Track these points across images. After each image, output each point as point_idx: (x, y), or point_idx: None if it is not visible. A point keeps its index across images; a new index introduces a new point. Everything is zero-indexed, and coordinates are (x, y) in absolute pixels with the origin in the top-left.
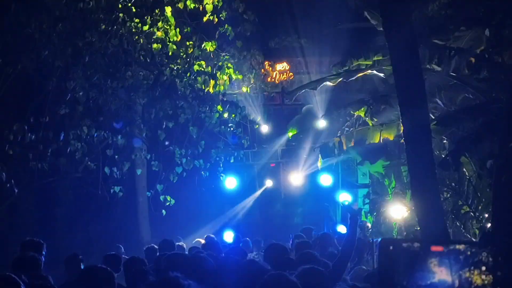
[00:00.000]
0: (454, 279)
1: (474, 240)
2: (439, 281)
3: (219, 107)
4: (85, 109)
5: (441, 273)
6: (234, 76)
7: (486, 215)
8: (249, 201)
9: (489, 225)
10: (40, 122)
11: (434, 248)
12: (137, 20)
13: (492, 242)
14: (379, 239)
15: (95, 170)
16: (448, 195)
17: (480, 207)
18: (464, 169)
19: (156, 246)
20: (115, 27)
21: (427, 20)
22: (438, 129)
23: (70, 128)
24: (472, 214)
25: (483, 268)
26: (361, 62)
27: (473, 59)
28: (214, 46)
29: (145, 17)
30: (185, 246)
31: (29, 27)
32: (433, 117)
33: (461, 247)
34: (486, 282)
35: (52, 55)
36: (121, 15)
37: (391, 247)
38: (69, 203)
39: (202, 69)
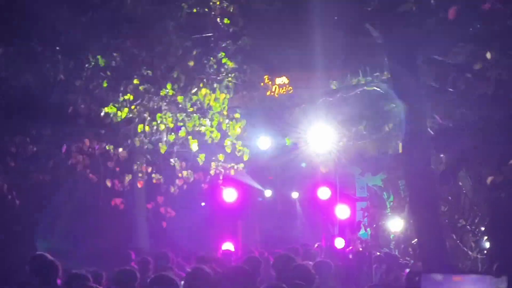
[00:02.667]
0: None
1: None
2: None
3: (219, 119)
4: (86, 122)
5: None
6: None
7: (483, 229)
8: (247, 213)
9: (485, 238)
10: (42, 134)
11: (455, 278)
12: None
13: (507, 270)
14: (408, 271)
15: (96, 182)
16: (445, 209)
17: (476, 221)
18: (461, 183)
19: (150, 259)
20: (116, 40)
21: (425, 35)
22: (436, 145)
23: (71, 141)
24: (468, 227)
25: (498, 285)
26: (361, 79)
27: (470, 75)
28: (214, 60)
29: (146, 30)
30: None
31: (31, 40)
32: (431, 133)
33: (479, 276)
34: None
35: (54, 68)
36: (123, 28)
37: (416, 278)
38: (68, 214)
39: (203, 82)
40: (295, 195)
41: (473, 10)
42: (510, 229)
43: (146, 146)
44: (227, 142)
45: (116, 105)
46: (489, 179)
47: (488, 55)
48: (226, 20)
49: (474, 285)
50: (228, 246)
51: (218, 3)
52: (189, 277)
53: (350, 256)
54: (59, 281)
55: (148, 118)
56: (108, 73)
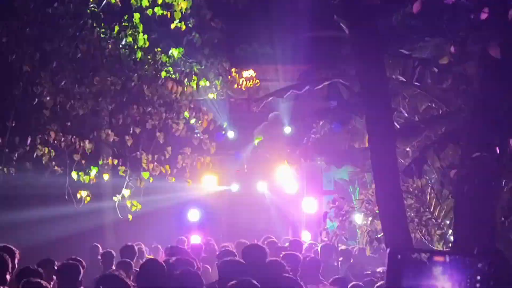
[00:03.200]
0: (455, 286)
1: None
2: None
3: (186, 113)
4: (52, 114)
5: (443, 281)
6: (201, 83)
7: (448, 222)
8: (214, 206)
9: (450, 231)
10: (7, 126)
11: (437, 258)
12: (105, 26)
13: (488, 255)
14: (388, 250)
15: (62, 175)
16: (412, 202)
17: (442, 214)
18: (427, 177)
19: (113, 252)
20: (83, 32)
21: (391, 29)
22: (402, 138)
23: (37, 133)
24: (434, 220)
25: (478, 277)
26: (327, 72)
27: (436, 69)
28: (182, 53)
29: (114, 23)
30: (144, 249)
31: None
32: (397, 126)
33: (460, 258)
34: None
35: (19, 60)
36: (89, 20)
37: (399, 256)
38: (34, 207)
39: (170, 76)
40: (262, 188)
41: (438, 4)
42: (473, 221)
43: (112, 139)
44: (194, 135)
45: (83, 97)
46: (452, 173)
47: (452, 49)
48: (184, 6)
49: (455, 265)
50: (195, 238)
51: None
52: (142, 269)
53: (317, 249)
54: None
55: (115, 110)
56: (74, 65)
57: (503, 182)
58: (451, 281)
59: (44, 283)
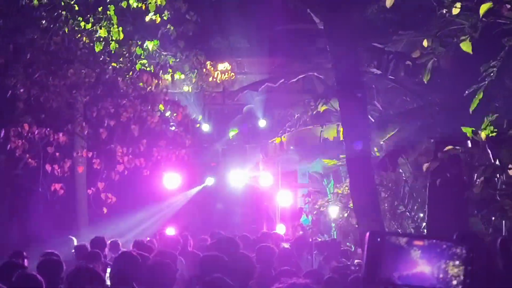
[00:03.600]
0: (433, 270)
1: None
2: (420, 272)
3: (161, 106)
4: (26, 106)
5: (422, 265)
6: (176, 76)
7: (421, 215)
8: (189, 199)
9: (424, 224)
10: None
11: (417, 242)
12: (79, 18)
13: (466, 240)
14: (369, 232)
15: (36, 167)
16: (386, 195)
17: (415, 207)
18: (401, 170)
19: (87, 245)
20: (57, 24)
21: (366, 23)
22: (376, 132)
23: (10, 125)
24: (408, 213)
25: (457, 262)
26: (301, 65)
27: (410, 63)
28: (157, 45)
29: (88, 15)
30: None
31: None
32: (372, 119)
33: (439, 242)
34: (459, 273)
35: None
36: (63, 12)
37: (378, 239)
38: (7, 199)
39: (145, 68)
40: (237, 181)
41: None
42: (446, 214)
43: (86, 131)
44: (169, 128)
45: (57, 89)
46: (425, 166)
47: (425, 43)
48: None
49: (435, 249)
50: (170, 231)
51: None
52: (117, 261)
53: (291, 243)
54: None
55: (89, 102)
56: (48, 56)
57: (475, 176)
58: (430, 265)
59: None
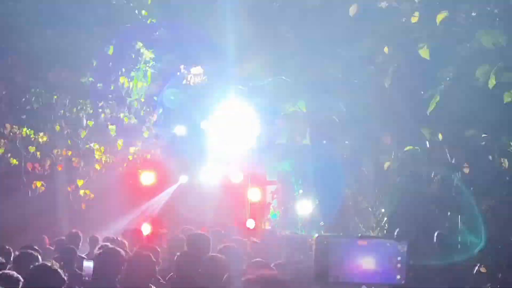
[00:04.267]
0: (377, 266)
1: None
2: (367, 268)
3: (138, 106)
4: (7, 108)
5: (368, 262)
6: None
7: (383, 210)
8: (164, 196)
9: (385, 219)
10: None
11: (361, 242)
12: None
13: (405, 238)
14: (316, 236)
15: (17, 165)
16: (350, 192)
17: (378, 203)
18: (364, 169)
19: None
20: (38, 28)
21: (329, 30)
22: (341, 132)
23: None
24: (370, 209)
25: (399, 257)
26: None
27: (373, 67)
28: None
29: (66, 20)
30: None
31: None
32: (336, 120)
33: (382, 241)
34: (401, 269)
35: None
36: (42, 15)
37: (325, 242)
38: None
39: (121, 71)
40: (210, 179)
41: (372, 8)
42: (405, 210)
43: (66, 131)
44: (144, 128)
45: (37, 91)
46: (386, 165)
47: (386, 50)
48: (144, 12)
49: (377, 248)
50: (145, 227)
51: None
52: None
53: (260, 236)
54: None
55: (69, 104)
56: (29, 59)
57: (432, 174)
58: (375, 262)
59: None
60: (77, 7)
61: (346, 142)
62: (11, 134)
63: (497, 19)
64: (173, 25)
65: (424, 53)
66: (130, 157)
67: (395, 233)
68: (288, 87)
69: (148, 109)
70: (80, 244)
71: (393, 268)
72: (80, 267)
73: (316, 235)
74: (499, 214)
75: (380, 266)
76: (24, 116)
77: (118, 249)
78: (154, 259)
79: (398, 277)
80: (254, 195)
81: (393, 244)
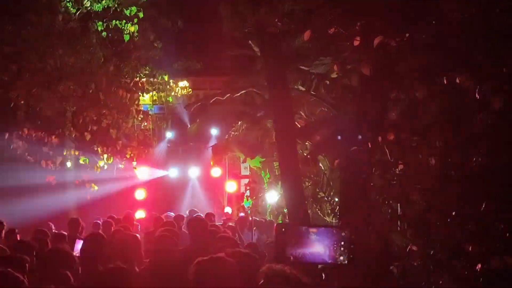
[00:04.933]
0: (325, 249)
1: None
2: (316, 251)
3: (134, 114)
4: (25, 115)
5: (316, 245)
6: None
7: (336, 199)
8: (157, 187)
9: (338, 207)
10: None
11: (312, 230)
12: (69, 45)
13: (349, 227)
14: (276, 223)
15: (33, 163)
16: (309, 184)
17: (332, 193)
18: (321, 165)
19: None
20: (51, 49)
21: (295, 50)
22: (302, 135)
23: (12, 129)
24: (326, 199)
25: (342, 242)
26: (244, 83)
27: (328, 82)
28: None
29: (75, 43)
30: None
31: None
32: (298, 125)
33: (328, 229)
34: (344, 251)
35: None
36: (56, 41)
37: (283, 229)
38: (10, 189)
39: (120, 84)
40: (193, 173)
41: (323, 33)
42: (353, 199)
43: (74, 134)
44: (140, 132)
45: (50, 100)
46: (336, 162)
47: (335, 68)
48: (134, 31)
49: (324, 235)
50: (140, 213)
51: (135, 20)
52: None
53: (235, 221)
54: None
55: (76, 112)
56: (43, 75)
57: (373, 169)
58: (323, 246)
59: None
60: (83, 30)
61: (306, 143)
62: (28, 136)
63: (426, 42)
64: (164, 46)
65: (365, 70)
66: (128, 156)
67: (340, 223)
68: (258, 97)
69: (142, 116)
70: (80, 228)
71: (338, 251)
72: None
73: (276, 223)
74: (428, 201)
75: (327, 249)
76: (39, 122)
77: (102, 233)
78: (135, 241)
79: (342, 258)
80: (230, 187)
81: (337, 231)
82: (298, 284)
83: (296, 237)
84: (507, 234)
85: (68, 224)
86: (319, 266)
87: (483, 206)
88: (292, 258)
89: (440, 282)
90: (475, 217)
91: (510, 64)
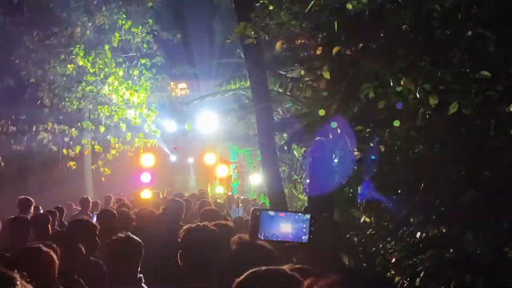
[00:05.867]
0: (291, 230)
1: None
2: (284, 231)
3: (140, 110)
4: (50, 111)
5: (284, 227)
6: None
7: (308, 181)
8: (160, 171)
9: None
10: (19, 119)
11: (281, 214)
12: (86, 53)
13: (310, 211)
14: (252, 208)
15: (57, 151)
16: (285, 168)
17: (304, 176)
18: (295, 152)
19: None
20: (71, 56)
21: (274, 58)
22: (279, 128)
23: (39, 123)
24: (299, 180)
25: (304, 224)
26: (232, 85)
27: (301, 84)
28: (138, 71)
29: (91, 51)
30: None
31: (11, 55)
32: (276, 120)
33: (294, 213)
34: (307, 232)
35: (28, 75)
36: (76, 49)
37: (258, 213)
38: (38, 173)
39: (129, 86)
40: (191, 159)
41: (292, 44)
42: (319, 181)
43: (90, 127)
44: (145, 125)
45: (70, 99)
46: (303, 149)
47: (302, 72)
48: (145, 45)
49: (291, 218)
50: (146, 193)
51: (139, 34)
52: (100, 215)
53: (224, 198)
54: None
55: (92, 109)
56: (65, 78)
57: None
58: (289, 229)
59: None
60: (98, 40)
61: (284, 134)
62: (52, 129)
63: (376, 50)
64: (165, 54)
65: (326, 75)
66: (135, 145)
67: (303, 208)
68: (244, 98)
69: (148, 112)
70: (90, 205)
71: (301, 232)
72: None
73: (252, 208)
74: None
75: (292, 230)
76: (61, 117)
77: (111, 210)
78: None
79: (304, 237)
80: (222, 170)
81: (301, 216)
82: (261, 249)
83: (267, 219)
84: (442, 208)
85: (80, 202)
86: (286, 244)
87: (422, 185)
88: (263, 236)
89: (388, 246)
90: (416, 194)
91: (445, 66)
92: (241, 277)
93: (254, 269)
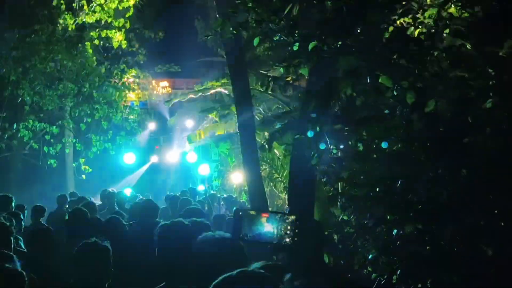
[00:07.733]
0: (274, 231)
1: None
2: (266, 231)
3: (121, 108)
4: (30, 109)
5: (267, 228)
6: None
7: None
8: (141, 170)
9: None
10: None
11: (264, 214)
12: (67, 51)
13: (295, 214)
14: (234, 208)
15: (38, 149)
16: (266, 167)
17: (284, 174)
18: (276, 151)
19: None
20: (51, 54)
21: (256, 57)
22: (260, 127)
23: (20, 121)
24: (280, 179)
25: (289, 226)
26: (213, 83)
27: (283, 83)
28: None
29: (72, 49)
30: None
31: None
32: (257, 119)
33: (277, 214)
34: (289, 233)
35: (8, 72)
36: (56, 47)
37: (240, 213)
38: (19, 170)
39: (110, 84)
40: (173, 158)
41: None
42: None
43: (71, 125)
44: (127, 124)
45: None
46: (283, 147)
47: (282, 71)
48: (124, 42)
49: (273, 220)
50: (127, 190)
51: (121, 32)
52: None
53: (206, 197)
54: None
55: (73, 107)
56: (46, 76)
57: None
58: (272, 229)
59: None
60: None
61: (265, 133)
62: (33, 127)
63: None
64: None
65: (304, 71)
66: (118, 143)
67: (285, 209)
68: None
69: (128, 111)
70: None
71: (283, 232)
72: None
73: (235, 208)
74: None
75: (276, 230)
76: (42, 115)
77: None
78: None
79: (287, 239)
80: (203, 169)
81: (285, 217)
82: (223, 242)
83: (250, 220)
84: (419, 206)
85: (57, 199)
86: (269, 246)
87: (398, 183)
88: (245, 237)
89: (365, 244)
90: (392, 192)
91: (422, 65)
92: (214, 283)
93: (226, 275)
